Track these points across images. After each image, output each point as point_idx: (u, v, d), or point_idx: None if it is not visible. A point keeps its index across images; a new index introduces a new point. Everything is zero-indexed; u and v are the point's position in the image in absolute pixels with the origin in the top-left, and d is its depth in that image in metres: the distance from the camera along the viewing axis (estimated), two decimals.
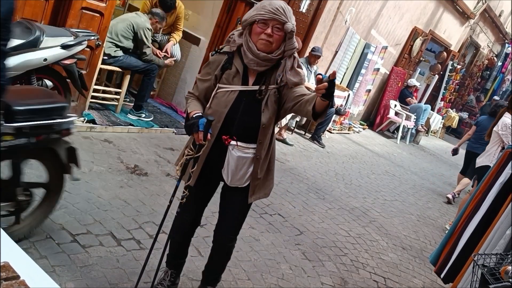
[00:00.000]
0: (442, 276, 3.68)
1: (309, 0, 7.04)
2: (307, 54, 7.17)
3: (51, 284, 1.20)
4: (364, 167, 7.24)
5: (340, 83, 8.86)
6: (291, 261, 3.52)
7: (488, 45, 15.74)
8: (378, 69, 9.92)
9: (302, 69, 2.20)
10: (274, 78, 2.18)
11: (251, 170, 2.27)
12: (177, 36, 5.86)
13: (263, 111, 2.18)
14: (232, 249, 2.53)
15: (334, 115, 7.84)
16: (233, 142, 2.20)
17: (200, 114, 2.13)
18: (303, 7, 7.01)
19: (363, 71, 9.34)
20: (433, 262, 3.87)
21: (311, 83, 6.93)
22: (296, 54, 2.17)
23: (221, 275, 2.63)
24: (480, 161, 5.29)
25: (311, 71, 7.08)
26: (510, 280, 1.82)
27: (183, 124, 2.32)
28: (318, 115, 2.07)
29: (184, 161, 2.20)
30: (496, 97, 14.27)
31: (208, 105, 2.23)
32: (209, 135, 2.08)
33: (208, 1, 5.96)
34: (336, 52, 8.53)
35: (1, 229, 1.24)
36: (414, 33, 10.62)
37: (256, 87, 2.17)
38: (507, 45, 16.24)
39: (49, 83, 3.84)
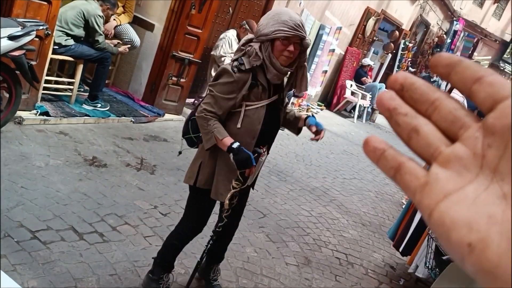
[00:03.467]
0: (400, 249, 3.85)
1: None
2: None
3: (12, 284, 1.16)
4: (323, 147, 7.38)
5: None
6: (256, 244, 3.58)
7: (437, 23, 16.20)
8: (333, 50, 10.05)
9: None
10: (285, 85, 2.37)
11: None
12: (125, 18, 5.66)
13: (281, 117, 2.41)
14: None
15: (292, 98, 7.91)
16: (264, 152, 2.35)
17: (239, 143, 2.17)
18: None
19: (319, 52, 9.44)
20: (391, 237, 4.03)
21: None
22: (305, 63, 2.33)
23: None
24: None
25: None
26: None
27: (230, 150, 2.24)
28: (300, 131, 2.53)
29: (233, 194, 2.28)
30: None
31: (238, 125, 2.24)
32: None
33: None
34: None
35: None
36: (367, 13, 10.81)
37: (276, 97, 2.33)
38: (455, 22, 16.79)
39: None
